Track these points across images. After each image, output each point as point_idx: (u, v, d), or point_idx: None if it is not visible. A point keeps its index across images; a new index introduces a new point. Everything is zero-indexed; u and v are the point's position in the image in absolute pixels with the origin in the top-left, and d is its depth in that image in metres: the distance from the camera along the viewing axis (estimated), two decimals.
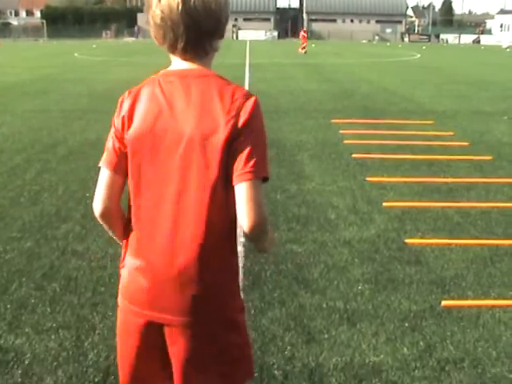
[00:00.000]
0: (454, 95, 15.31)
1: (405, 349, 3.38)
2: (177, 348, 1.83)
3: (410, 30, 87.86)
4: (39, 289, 4.05)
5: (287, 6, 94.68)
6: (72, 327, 3.56)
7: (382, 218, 5.60)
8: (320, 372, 3.15)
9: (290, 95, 14.58)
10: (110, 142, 1.83)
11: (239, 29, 75.85)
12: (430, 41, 75.42)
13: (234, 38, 72.65)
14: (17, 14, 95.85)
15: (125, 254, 1.90)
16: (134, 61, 28.19)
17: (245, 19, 79.04)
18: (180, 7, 1.70)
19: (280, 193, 6.28)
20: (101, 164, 1.84)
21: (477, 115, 12.04)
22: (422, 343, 3.44)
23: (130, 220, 1.87)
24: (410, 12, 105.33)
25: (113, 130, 1.83)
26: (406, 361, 3.27)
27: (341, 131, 9.85)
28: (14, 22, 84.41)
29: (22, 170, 7.20)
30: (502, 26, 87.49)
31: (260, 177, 1.71)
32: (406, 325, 3.65)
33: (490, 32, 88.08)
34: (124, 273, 1.89)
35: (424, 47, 52.80)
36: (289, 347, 3.37)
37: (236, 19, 75.45)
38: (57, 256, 4.62)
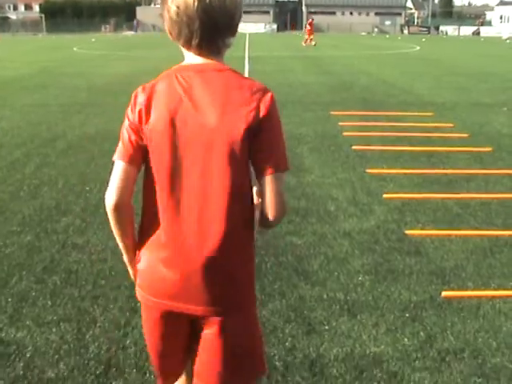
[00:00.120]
0: (453, 87, 15.28)
1: (405, 339, 3.39)
2: (203, 337, 1.91)
3: (409, 22, 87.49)
4: (40, 282, 4.06)
5: None
6: (73, 320, 3.57)
7: (382, 209, 5.61)
8: (321, 363, 3.16)
9: (288, 88, 14.55)
10: (126, 135, 1.82)
11: None
12: (429, 33, 75.14)
13: None
14: (15, 9, 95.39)
15: (140, 249, 1.91)
16: (133, 55, 28.13)
17: (244, 12, 76.68)
18: (196, 4, 1.71)
19: None
20: (115, 157, 1.83)
21: (476, 107, 12.01)
22: (422, 334, 3.45)
23: (144, 214, 1.89)
24: (409, 4, 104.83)
25: (127, 122, 1.82)
26: (407, 351, 3.28)
27: (340, 123, 9.83)
28: (13, 16, 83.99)
29: (21, 164, 7.20)
30: (501, 18, 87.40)
31: (283, 170, 1.81)
32: (407, 315, 3.66)
33: (489, 23, 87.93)
34: (142, 266, 1.90)
35: (423, 39, 52.66)
36: (289, 338, 3.38)
37: None
38: (57, 249, 4.62)
